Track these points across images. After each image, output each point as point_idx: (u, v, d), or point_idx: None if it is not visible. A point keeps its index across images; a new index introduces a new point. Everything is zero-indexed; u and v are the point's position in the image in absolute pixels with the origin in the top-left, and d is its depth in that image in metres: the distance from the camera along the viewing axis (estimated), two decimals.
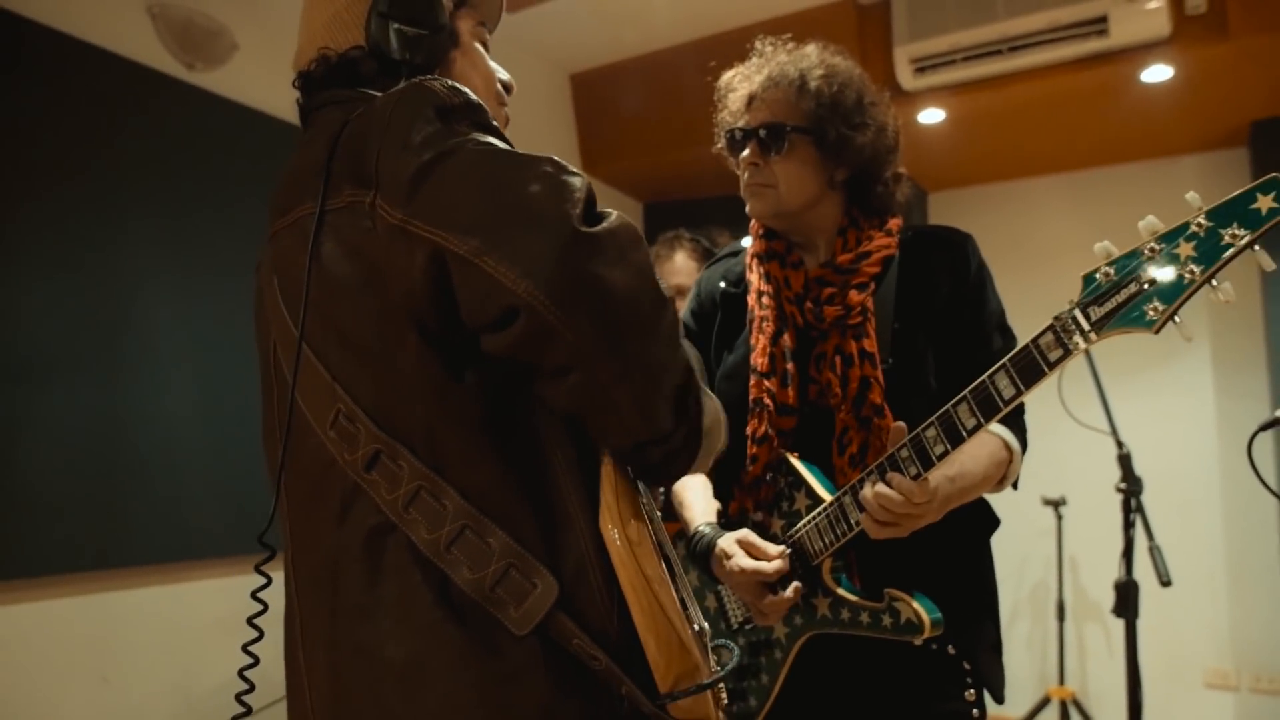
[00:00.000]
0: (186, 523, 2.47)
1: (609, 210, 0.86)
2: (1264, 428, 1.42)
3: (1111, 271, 1.10)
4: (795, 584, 1.41)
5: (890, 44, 3.42)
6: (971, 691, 1.42)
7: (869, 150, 1.48)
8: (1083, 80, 3.28)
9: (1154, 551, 2.31)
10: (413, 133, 0.85)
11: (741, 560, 1.41)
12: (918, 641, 1.39)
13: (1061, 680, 3.87)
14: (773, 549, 1.41)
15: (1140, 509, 2.37)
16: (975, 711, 1.42)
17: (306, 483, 0.94)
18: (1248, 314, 3.89)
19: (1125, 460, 2.42)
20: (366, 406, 0.88)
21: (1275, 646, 3.78)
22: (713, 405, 0.98)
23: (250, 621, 0.95)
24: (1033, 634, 4.26)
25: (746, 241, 1.64)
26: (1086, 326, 1.11)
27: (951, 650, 1.43)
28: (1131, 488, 2.38)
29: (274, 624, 0.98)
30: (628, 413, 0.85)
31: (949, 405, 1.25)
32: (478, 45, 1.11)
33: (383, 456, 0.86)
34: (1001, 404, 1.20)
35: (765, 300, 1.54)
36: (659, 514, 1.03)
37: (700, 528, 1.50)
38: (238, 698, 0.95)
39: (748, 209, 1.54)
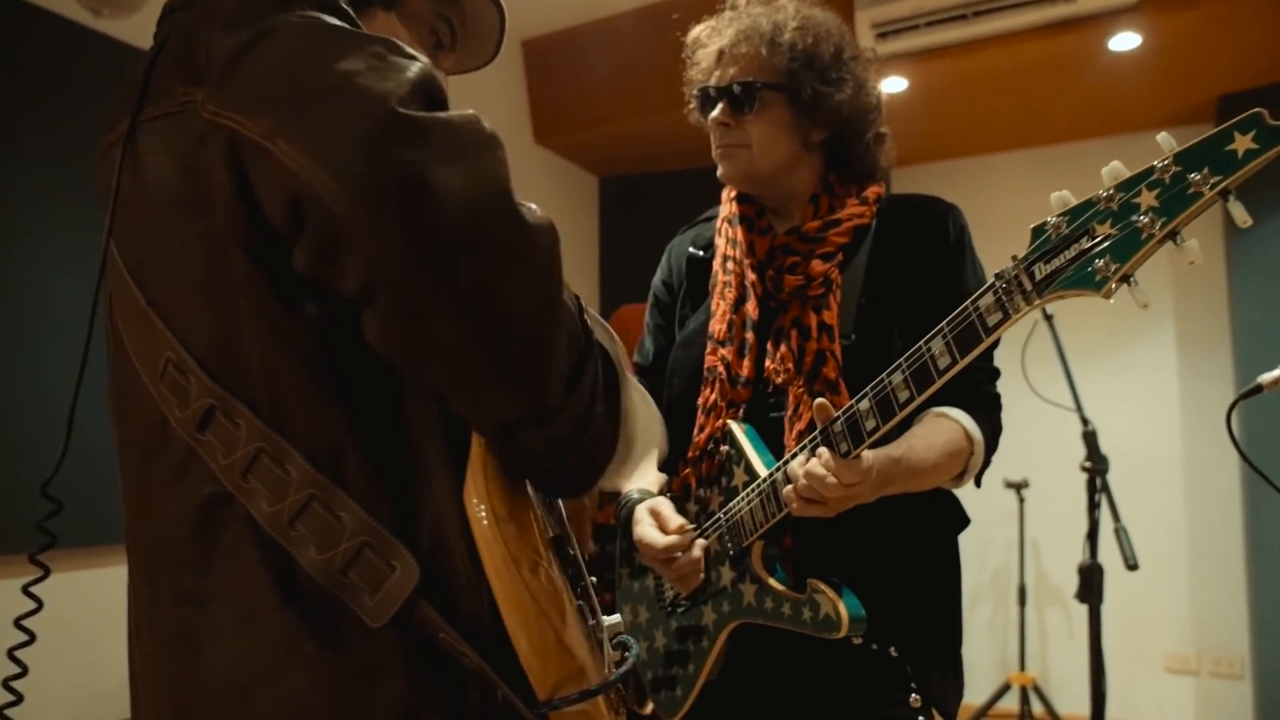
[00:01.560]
0: (90, 505, 2.29)
1: (465, 111, 0.71)
2: (1244, 396, 1.31)
3: (1063, 223, 0.94)
4: (698, 546, 1.32)
5: (852, 7, 3.29)
6: (917, 697, 1.29)
7: (847, 108, 1.36)
8: (1049, 48, 3.18)
9: (1120, 533, 2.21)
10: (238, 13, 0.72)
11: (642, 529, 1.32)
12: (857, 639, 1.27)
13: (1022, 666, 3.80)
14: (673, 522, 1.31)
15: (1106, 488, 2.27)
16: (921, 718, 1.29)
17: (139, 448, 0.80)
18: (1213, 293, 3.83)
19: (1090, 438, 2.31)
20: (199, 354, 0.73)
21: (1236, 630, 3.74)
22: (645, 405, 0.84)
23: (18, 623, 0.84)
24: (994, 619, 4.18)
25: (720, 210, 1.54)
26: (1030, 286, 0.96)
27: (894, 652, 1.30)
28: (1097, 466, 2.27)
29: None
30: (471, 363, 0.69)
31: (883, 375, 1.12)
32: (423, 32, 0.93)
33: (217, 414, 0.72)
34: (936, 374, 1.06)
35: (730, 266, 1.43)
36: (559, 507, 0.90)
37: (629, 491, 1.41)
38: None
39: (719, 172, 1.42)
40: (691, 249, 1.55)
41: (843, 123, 1.38)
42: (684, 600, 1.43)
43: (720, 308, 1.41)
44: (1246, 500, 3.62)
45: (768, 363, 1.36)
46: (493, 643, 0.71)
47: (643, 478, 1.44)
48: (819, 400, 1.16)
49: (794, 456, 1.22)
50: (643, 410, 0.84)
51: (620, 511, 1.41)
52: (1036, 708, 3.71)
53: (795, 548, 1.33)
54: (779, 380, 1.34)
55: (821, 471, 1.13)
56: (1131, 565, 2.18)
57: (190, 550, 0.73)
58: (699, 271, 1.52)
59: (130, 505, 0.82)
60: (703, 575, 1.35)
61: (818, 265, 1.35)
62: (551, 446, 0.74)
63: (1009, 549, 3.94)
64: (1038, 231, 0.97)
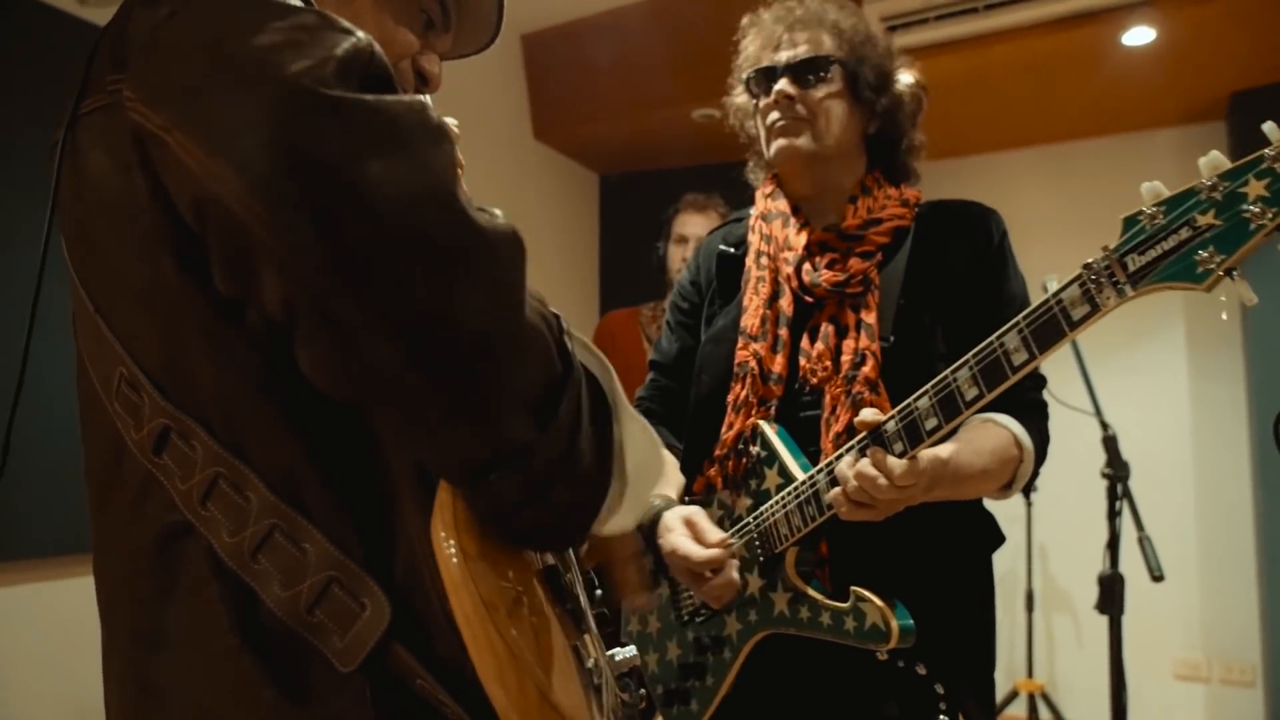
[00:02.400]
0: (73, 512, 2.22)
1: (409, 96, 0.61)
2: None
3: (1159, 214, 0.91)
4: (733, 565, 1.26)
5: (860, 0, 3.22)
6: (945, 719, 1.23)
7: (896, 104, 1.38)
8: (1062, 43, 3.11)
9: (1144, 543, 2.14)
10: None
11: (676, 538, 1.26)
12: (882, 655, 1.21)
13: (1030, 673, 3.73)
14: (713, 534, 1.25)
15: (1128, 495, 2.20)
16: None
17: (102, 470, 0.73)
18: (1223, 290, 3.76)
19: (1111, 443, 2.25)
20: (149, 369, 0.67)
21: (1247, 637, 3.67)
22: (645, 437, 0.75)
23: None
24: (1001, 625, 4.10)
25: (751, 210, 1.51)
26: (1123, 278, 0.92)
27: (922, 670, 1.23)
28: (1118, 473, 2.20)
29: None
30: (417, 395, 0.58)
31: (947, 371, 1.07)
32: (411, 10, 0.85)
33: (173, 435, 0.65)
34: (1010, 370, 1.02)
35: (764, 261, 1.40)
36: None
37: (651, 499, 1.34)
38: None
39: (774, 151, 1.37)
40: (722, 246, 1.50)
41: (893, 116, 1.38)
42: (704, 610, 1.37)
43: (753, 302, 1.37)
44: (1258, 504, 3.56)
45: (802, 361, 1.32)
46: (476, 691, 0.62)
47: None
48: (867, 410, 1.12)
49: (839, 457, 1.16)
50: (643, 442, 0.75)
51: (644, 517, 1.34)
52: (1044, 715, 3.64)
53: (832, 555, 1.27)
54: (814, 379, 1.29)
55: (874, 472, 1.08)
56: (1157, 576, 2.12)
57: (148, 585, 0.67)
58: (730, 268, 1.47)
59: (95, 532, 0.75)
60: (737, 590, 1.28)
61: (856, 263, 1.31)
62: (530, 491, 0.63)
63: (1016, 554, 3.87)
64: (1130, 222, 0.94)
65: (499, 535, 0.67)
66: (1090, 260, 0.95)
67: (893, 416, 1.12)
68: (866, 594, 1.18)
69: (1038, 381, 1.33)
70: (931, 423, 1.08)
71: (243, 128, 0.55)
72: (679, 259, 2.93)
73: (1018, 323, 1.03)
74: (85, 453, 0.76)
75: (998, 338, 1.04)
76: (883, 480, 1.07)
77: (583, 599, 0.81)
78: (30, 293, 0.78)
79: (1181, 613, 3.81)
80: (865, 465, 1.09)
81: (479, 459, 0.62)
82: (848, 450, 1.17)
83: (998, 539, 1.35)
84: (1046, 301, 1.00)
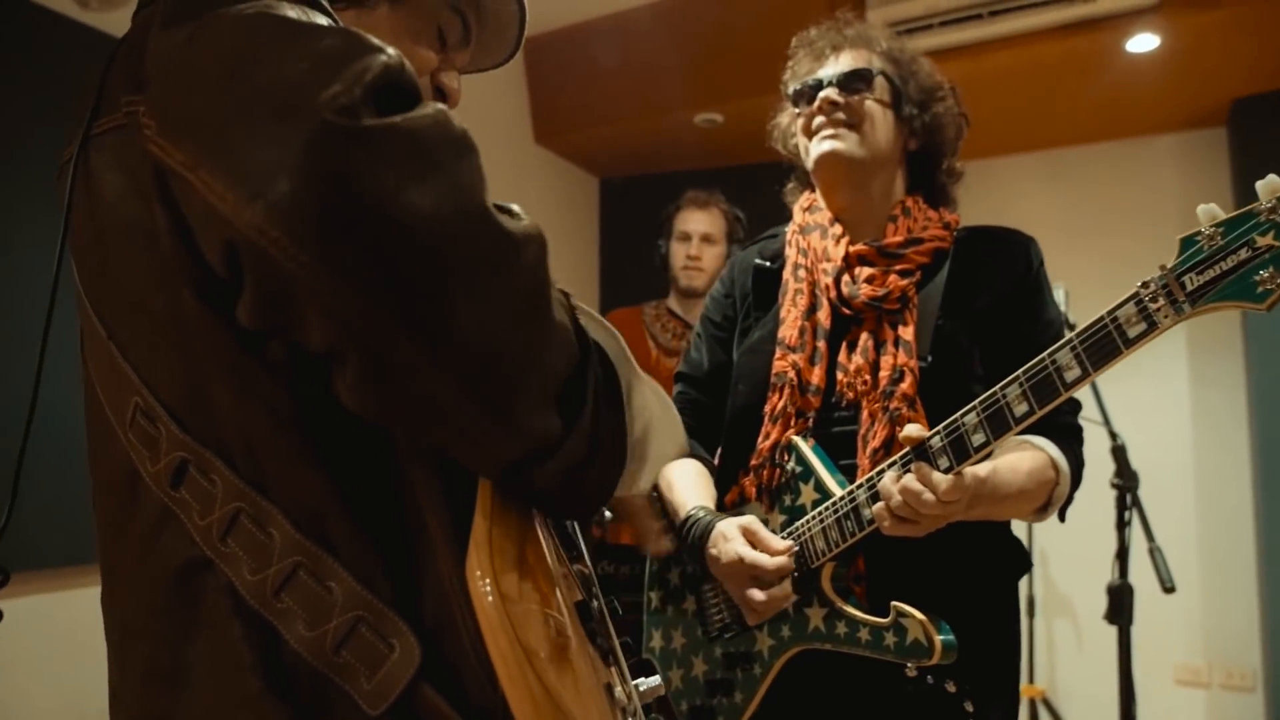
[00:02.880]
0: (77, 523, 2.19)
1: (429, 108, 0.59)
2: None
3: (1218, 234, 0.94)
4: (791, 579, 1.25)
5: (864, 6, 3.21)
6: None
7: (938, 125, 1.41)
8: (1066, 49, 3.10)
9: (1154, 554, 2.13)
10: (188, 3, 0.61)
11: (740, 547, 1.24)
12: (912, 671, 1.21)
13: (1031, 678, 3.73)
14: (778, 543, 1.25)
15: (1137, 504, 2.19)
16: None
17: (114, 500, 0.70)
18: None
19: (1120, 453, 2.24)
20: (166, 400, 0.65)
21: (1247, 642, 3.67)
22: (656, 398, 0.75)
23: None
24: None
25: (786, 228, 1.54)
26: (1181, 297, 0.95)
27: (951, 688, 1.23)
28: (1127, 483, 2.20)
29: None
30: (468, 417, 0.59)
31: (996, 388, 1.08)
32: (429, 27, 0.83)
33: (191, 468, 0.64)
34: (1062, 387, 1.03)
35: (801, 274, 1.41)
36: (579, 544, 0.80)
37: (694, 511, 1.34)
38: None
39: (818, 155, 1.39)
40: (758, 260, 1.51)
41: (934, 135, 1.41)
42: (734, 625, 1.36)
43: (791, 314, 1.38)
44: (1258, 509, 3.56)
45: (839, 375, 1.32)
46: None
47: (690, 489, 1.38)
48: (911, 426, 1.13)
49: (881, 473, 1.17)
50: (653, 400, 0.76)
51: (688, 530, 1.33)
52: None
53: (869, 572, 1.27)
54: (851, 394, 1.30)
55: (919, 487, 1.08)
56: (1168, 588, 2.11)
57: (165, 623, 0.65)
58: (766, 282, 1.49)
59: (105, 563, 0.73)
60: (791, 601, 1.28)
61: (895, 280, 1.32)
62: (567, 475, 0.65)
63: None
64: (1188, 243, 0.96)
65: (534, 545, 0.68)
66: (1147, 279, 0.97)
67: (938, 432, 1.13)
68: (908, 609, 1.18)
69: (1073, 406, 1.34)
70: (979, 438, 1.09)
71: (274, 167, 0.53)
72: (682, 256, 2.91)
73: (1071, 340, 1.04)
74: (94, 478, 0.74)
75: (1050, 354, 1.05)
76: (928, 495, 1.08)
77: (611, 628, 0.80)
78: (30, 297, 0.76)
79: (1183, 618, 3.81)
80: (910, 480, 1.09)
81: (515, 458, 0.63)
82: (890, 465, 1.17)
83: (1026, 564, 1.36)
84: (1101, 319, 1.01)
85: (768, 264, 1.50)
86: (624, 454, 0.70)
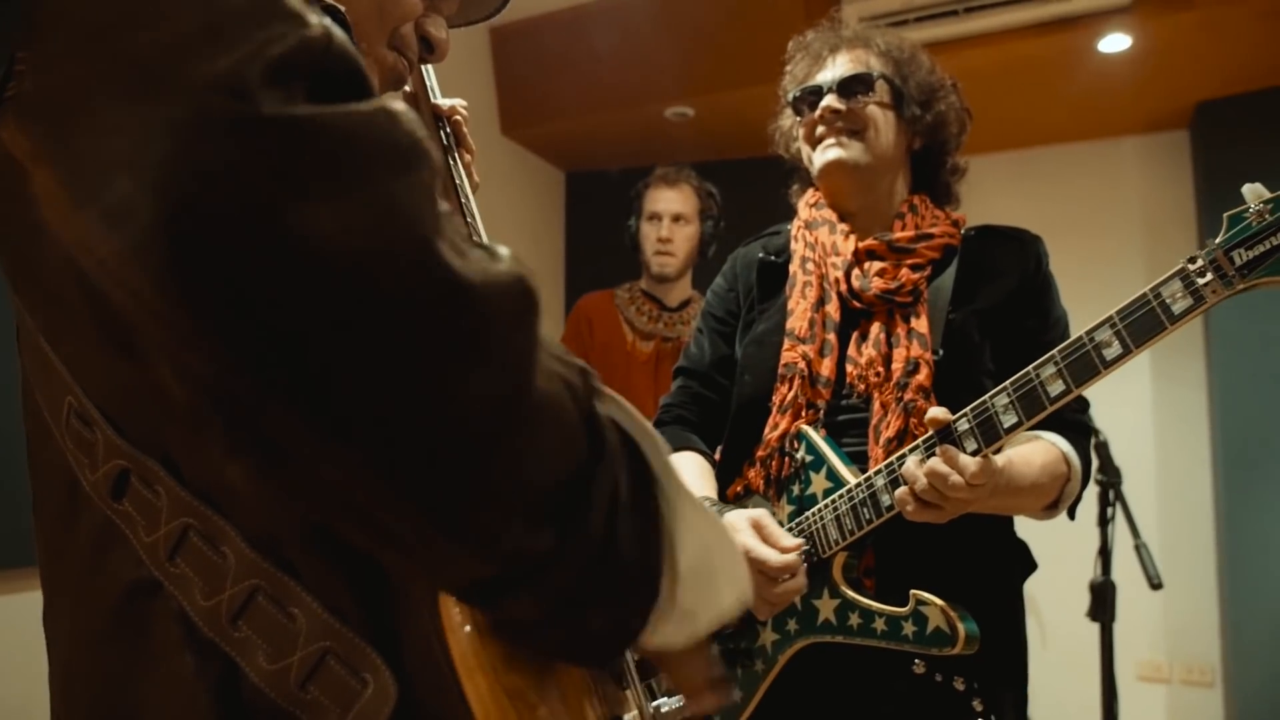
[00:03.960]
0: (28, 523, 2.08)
1: (375, 103, 0.44)
2: None
3: (1266, 210, 0.95)
4: (803, 569, 1.22)
5: (839, 0, 3.19)
6: None
7: (941, 122, 1.42)
8: (1040, 47, 3.12)
9: (1140, 550, 2.13)
10: None
11: (748, 539, 1.21)
12: (920, 668, 1.20)
13: None
14: (788, 540, 1.22)
15: (1121, 500, 2.19)
16: None
17: (53, 511, 0.62)
18: None
19: (1103, 449, 2.24)
20: (100, 401, 0.56)
21: (1207, 638, 3.73)
22: (703, 519, 0.59)
23: None
24: None
25: (788, 225, 1.54)
26: (1230, 271, 0.95)
27: (960, 685, 1.20)
28: (1111, 479, 2.20)
29: None
30: (391, 512, 0.44)
31: (1030, 368, 1.07)
32: None
33: (133, 478, 0.55)
34: (1101, 365, 1.03)
35: (809, 266, 1.40)
36: None
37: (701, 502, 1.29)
38: None
39: (823, 164, 1.39)
40: (762, 254, 1.50)
41: (937, 133, 1.42)
42: (734, 620, 1.33)
43: (800, 305, 1.36)
44: (1218, 507, 3.62)
45: (849, 367, 1.31)
46: None
47: (692, 481, 1.35)
48: (936, 409, 1.12)
49: (902, 458, 1.16)
50: (702, 527, 0.59)
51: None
52: None
53: (878, 564, 1.25)
54: (862, 386, 1.29)
55: (946, 470, 1.06)
56: (1156, 585, 2.11)
57: (112, 654, 0.56)
58: (772, 276, 1.47)
59: (46, 581, 0.64)
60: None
61: (907, 274, 1.32)
62: (555, 609, 0.50)
63: None
64: (1235, 219, 0.97)
65: (526, 654, 0.55)
66: (1193, 254, 0.98)
67: (965, 414, 1.12)
68: (929, 597, 1.15)
69: (1082, 403, 1.33)
70: (1009, 419, 1.08)
71: (116, 163, 0.38)
72: (654, 239, 2.80)
73: (1111, 318, 1.04)
74: (33, 486, 0.65)
75: (1088, 332, 1.05)
76: (956, 478, 1.06)
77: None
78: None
79: (1144, 615, 3.85)
80: (937, 463, 1.08)
81: (482, 577, 0.48)
82: (911, 450, 1.15)
83: (1032, 564, 1.36)
84: (1144, 295, 1.01)
85: (773, 258, 1.49)
86: (653, 590, 0.54)
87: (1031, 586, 4.09)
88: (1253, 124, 3.41)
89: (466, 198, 1.00)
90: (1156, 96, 3.56)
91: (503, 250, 0.48)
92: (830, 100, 1.38)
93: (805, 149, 1.45)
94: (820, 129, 1.40)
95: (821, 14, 3.24)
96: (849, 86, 1.38)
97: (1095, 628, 3.56)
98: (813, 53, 1.46)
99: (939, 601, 1.15)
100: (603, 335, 2.85)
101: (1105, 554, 2.17)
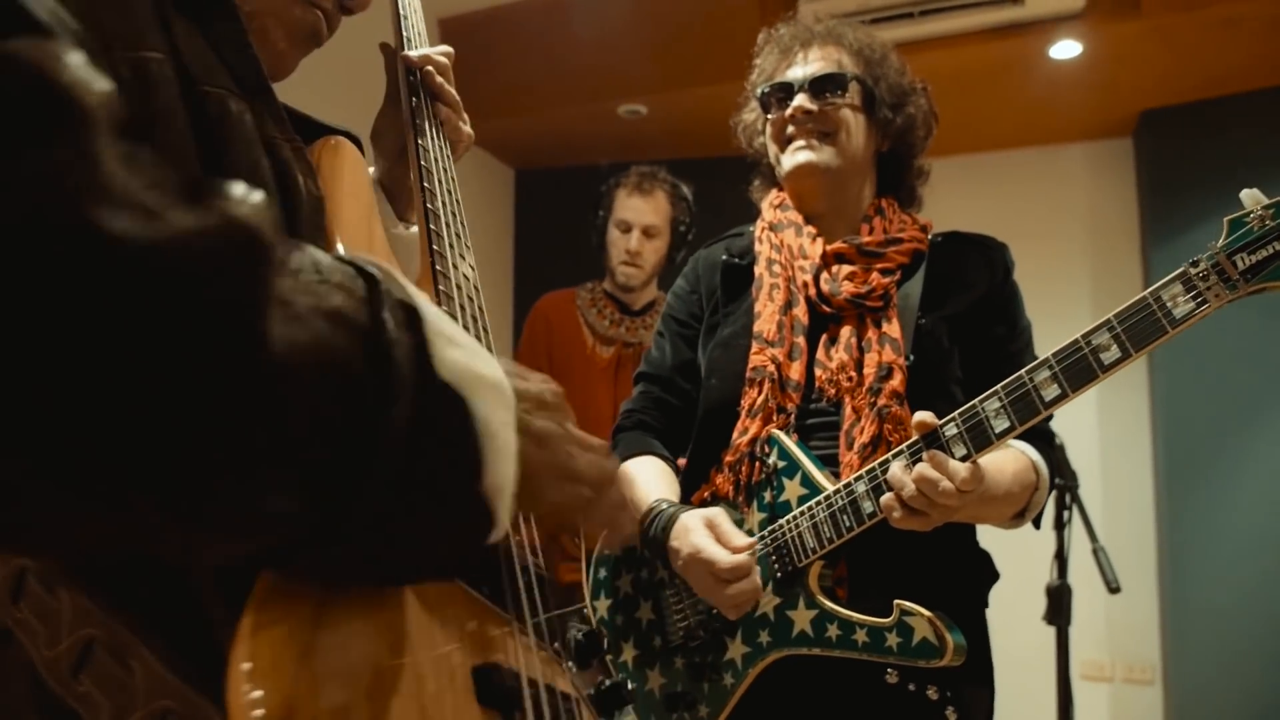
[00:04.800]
0: None
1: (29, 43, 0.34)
2: None
3: (1268, 215, 0.96)
4: (757, 571, 1.20)
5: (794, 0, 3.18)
6: None
7: (912, 123, 1.40)
8: (992, 52, 3.15)
9: (1098, 554, 2.14)
10: None
11: (698, 540, 1.18)
12: (893, 678, 1.17)
13: None
14: (738, 538, 1.19)
15: (1078, 503, 2.20)
16: None
17: None
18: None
19: (1060, 452, 2.24)
20: None
21: (1147, 637, 3.80)
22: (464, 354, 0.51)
23: None
24: None
25: (751, 227, 1.50)
26: (1234, 275, 0.96)
27: (933, 695, 1.18)
28: (1068, 482, 2.20)
29: None
30: (117, 522, 0.38)
31: (1023, 371, 1.06)
32: None
33: None
34: (1099, 370, 1.01)
35: (776, 269, 1.36)
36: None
37: (657, 503, 1.28)
38: None
39: (792, 166, 1.36)
40: (725, 256, 1.46)
41: (904, 136, 1.40)
42: (701, 632, 1.28)
43: (768, 309, 1.32)
44: (1159, 509, 3.69)
45: (819, 371, 1.28)
46: None
47: (652, 484, 1.32)
48: (922, 414, 1.10)
49: (885, 465, 1.13)
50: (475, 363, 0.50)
51: (651, 523, 1.25)
52: None
53: (851, 574, 1.23)
54: (833, 390, 1.26)
55: (936, 476, 1.04)
56: (1114, 589, 2.12)
57: None
58: (736, 279, 1.43)
59: None
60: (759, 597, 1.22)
61: (877, 278, 1.30)
62: (361, 558, 0.45)
63: None
64: (1236, 224, 0.97)
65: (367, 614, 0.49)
66: (1195, 258, 0.98)
67: (952, 419, 1.09)
68: (915, 608, 1.12)
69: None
70: (1002, 424, 1.06)
71: None
72: (622, 249, 2.67)
73: (1109, 321, 1.02)
74: None
75: (1084, 336, 1.03)
76: (946, 484, 1.04)
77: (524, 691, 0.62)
78: None
79: (1088, 616, 3.91)
80: (926, 469, 1.05)
81: (263, 547, 0.43)
82: (895, 456, 1.13)
83: (994, 574, 1.34)
84: (1143, 299, 1.00)
85: (737, 260, 1.45)
86: (464, 509, 0.48)
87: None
88: (1195, 134, 3.49)
89: (427, 152, 0.95)
90: (1103, 103, 3.62)
91: (233, 191, 0.40)
92: (802, 100, 1.34)
93: (773, 148, 1.41)
94: (791, 129, 1.37)
95: (777, 15, 3.23)
96: (821, 86, 1.35)
97: (1044, 630, 3.62)
98: (782, 46, 1.43)
99: (926, 612, 1.11)
100: (561, 338, 2.74)
101: (1062, 558, 2.17)
